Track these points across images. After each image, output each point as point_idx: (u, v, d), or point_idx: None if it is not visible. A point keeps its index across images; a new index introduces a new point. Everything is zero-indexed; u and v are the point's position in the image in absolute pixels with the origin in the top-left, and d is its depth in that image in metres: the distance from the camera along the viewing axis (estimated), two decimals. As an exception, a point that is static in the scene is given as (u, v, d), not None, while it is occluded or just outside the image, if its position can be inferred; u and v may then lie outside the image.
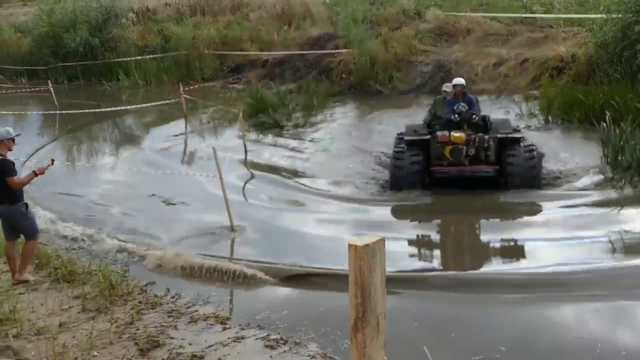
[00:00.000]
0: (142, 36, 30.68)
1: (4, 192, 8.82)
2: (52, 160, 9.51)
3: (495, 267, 9.86)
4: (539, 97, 18.24)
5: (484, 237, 11.20)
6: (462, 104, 12.79)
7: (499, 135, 12.63)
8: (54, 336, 7.45)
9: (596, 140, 14.50)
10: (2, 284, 9.15)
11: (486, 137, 12.35)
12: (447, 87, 14.10)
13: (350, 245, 2.53)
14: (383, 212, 12.46)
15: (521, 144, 12.56)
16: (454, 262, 10.41)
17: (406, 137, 13.02)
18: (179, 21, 31.43)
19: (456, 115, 12.68)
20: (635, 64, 16.70)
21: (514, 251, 10.42)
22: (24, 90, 27.67)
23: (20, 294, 8.97)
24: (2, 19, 38.88)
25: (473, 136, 12.21)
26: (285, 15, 29.12)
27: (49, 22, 31.17)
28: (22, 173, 10.21)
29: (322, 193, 13.56)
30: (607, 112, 14.43)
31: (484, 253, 10.53)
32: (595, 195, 12.25)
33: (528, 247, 10.30)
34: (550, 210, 11.75)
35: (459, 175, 12.31)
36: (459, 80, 13.33)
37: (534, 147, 12.65)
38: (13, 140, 9.20)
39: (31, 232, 9.14)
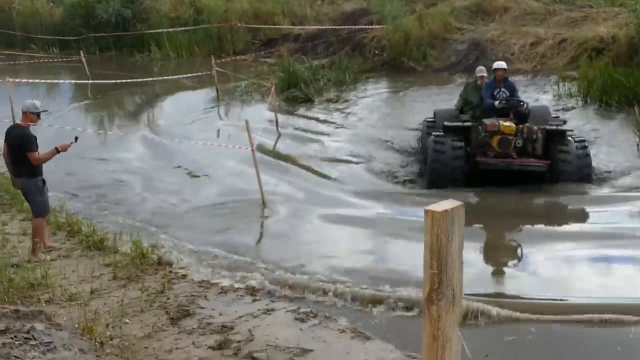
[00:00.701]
0: (174, 8, 30.56)
1: (25, 166, 8.84)
2: (76, 138, 9.34)
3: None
4: (577, 79, 17.95)
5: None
6: (503, 89, 12.03)
7: (547, 127, 11.67)
8: (86, 302, 7.50)
9: (634, 123, 14.33)
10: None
11: (535, 128, 11.35)
12: (481, 71, 13.30)
13: (426, 211, 2.38)
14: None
15: (572, 138, 11.65)
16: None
17: (446, 123, 12.05)
18: (211, -7, 31.36)
19: (502, 102, 11.87)
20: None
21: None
22: (56, 60, 27.74)
23: (52, 260, 9.04)
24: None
25: (521, 126, 11.30)
26: (319, -11, 28.97)
27: (81, -8, 31.23)
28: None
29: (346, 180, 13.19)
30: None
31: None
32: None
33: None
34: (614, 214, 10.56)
35: (507, 168, 11.20)
36: (501, 64, 12.50)
37: (586, 142, 11.83)
38: (38, 115, 9.15)
39: (41, 210, 9.06)
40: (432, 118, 13.23)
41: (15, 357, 4.74)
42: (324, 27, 25.58)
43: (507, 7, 23.59)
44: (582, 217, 10.71)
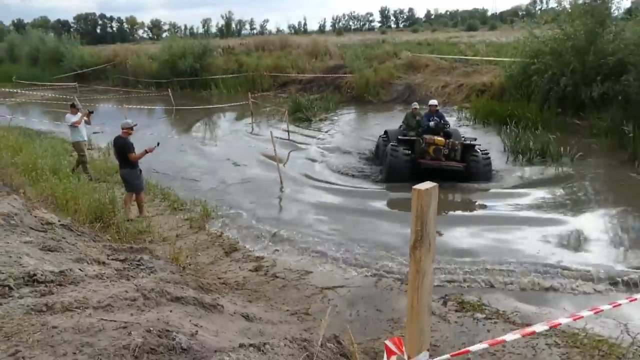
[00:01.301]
0: (226, 63, 30.37)
1: (126, 161, 8.74)
2: (158, 143, 9.13)
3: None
4: (470, 108, 17.96)
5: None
6: (435, 117, 11.82)
7: (464, 142, 11.45)
8: (173, 242, 7.45)
9: (504, 135, 14.36)
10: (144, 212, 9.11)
11: (456, 142, 11.25)
12: (415, 105, 13.03)
13: (414, 189, 2.37)
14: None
15: (479, 150, 11.37)
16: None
17: (399, 137, 11.82)
18: (248, 54, 31.13)
19: (433, 125, 11.59)
20: (529, 89, 16.43)
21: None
22: (153, 94, 27.55)
23: (152, 216, 8.96)
24: (140, 51, 38.66)
25: (448, 141, 11.19)
26: (313, 52, 28.75)
27: (169, 52, 30.93)
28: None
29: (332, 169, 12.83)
30: (512, 120, 14.39)
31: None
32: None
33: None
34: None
35: (439, 167, 10.91)
36: (434, 102, 12.39)
37: (488, 152, 11.56)
38: (132, 128, 8.92)
39: (139, 189, 8.95)
40: (384, 135, 12.78)
41: (131, 276, 4.65)
42: (316, 75, 25.41)
43: (427, 64, 23.50)
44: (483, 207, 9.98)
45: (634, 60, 13.91)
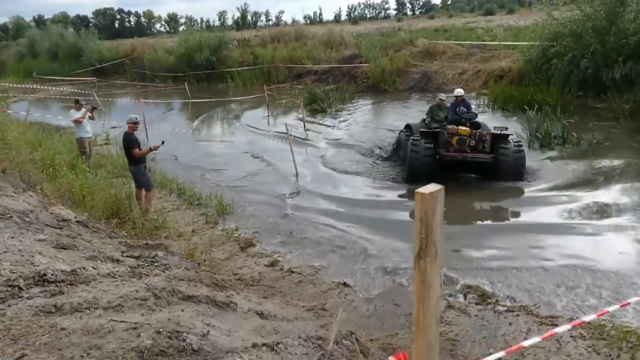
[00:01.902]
0: (241, 55, 30.22)
1: (131, 158, 8.51)
2: (163, 142, 8.67)
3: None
4: (488, 94, 17.54)
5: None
6: (462, 107, 10.85)
7: (493, 132, 10.23)
8: (189, 238, 7.39)
9: (523, 120, 13.96)
10: (157, 207, 9.06)
11: (484, 132, 10.13)
12: (441, 96, 11.86)
13: (417, 193, 2.09)
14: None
15: (511, 141, 10.19)
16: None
17: (421, 130, 10.59)
18: (263, 46, 30.93)
19: (461, 116, 10.63)
20: (549, 73, 15.97)
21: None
22: (170, 88, 27.66)
23: (168, 211, 8.92)
24: (157, 45, 38.76)
25: (474, 131, 10.10)
26: (328, 42, 28.44)
27: (186, 46, 30.90)
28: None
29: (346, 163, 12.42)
30: (531, 105, 13.96)
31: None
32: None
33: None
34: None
35: (463, 159, 9.90)
36: (459, 91, 11.14)
37: (522, 144, 10.31)
38: (136, 123, 8.65)
39: (147, 186, 8.60)
40: (405, 130, 11.46)
41: (144, 274, 4.58)
42: (332, 65, 25.10)
43: (444, 51, 23.03)
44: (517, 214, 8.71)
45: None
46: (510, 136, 10.26)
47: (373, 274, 6.48)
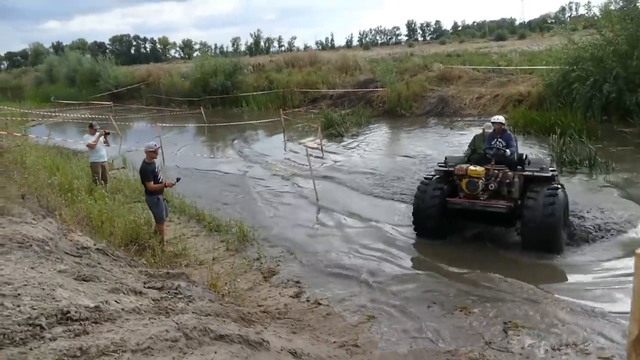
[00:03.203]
0: (256, 80, 30.39)
1: (145, 188, 8.22)
2: (178, 179, 8.42)
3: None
4: (508, 119, 17.18)
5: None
6: (500, 139, 8.60)
7: (524, 173, 7.97)
8: (210, 266, 7.11)
9: (546, 145, 13.59)
10: (177, 233, 8.82)
11: (510, 173, 7.94)
12: (487, 127, 9.11)
13: (637, 254, 1.47)
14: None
15: (554, 185, 7.64)
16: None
17: (436, 168, 8.90)
18: (278, 71, 31.09)
19: (490, 151, 8.55)
20: (570, 97, 15.68)
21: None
22: (186, 112, 27.79)
23: (188, 238, 8.66)
24: (172, 70, 39.20)
25: (497, 171, 8.01)
26: (343, 67, 28.50)
27: (201, 71, 31.13)
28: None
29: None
30: (553, 129, 13.61)
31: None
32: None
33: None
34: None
35: (471, 208, 7.83)
36: (498, 118, 8.79)
37: (557, 191, 7.44)
38: (155, 151, 8.27)
39: (158, 218, 8.22)
40: (443, 164, 9.04)
41: (170, 308, 4.29)
42: (347, 90, 25.06)
43: (460, 76, 22.87)
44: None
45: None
46: (553, 178, 7.91)
47: (405, 304, 6.14)
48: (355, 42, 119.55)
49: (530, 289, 6.30)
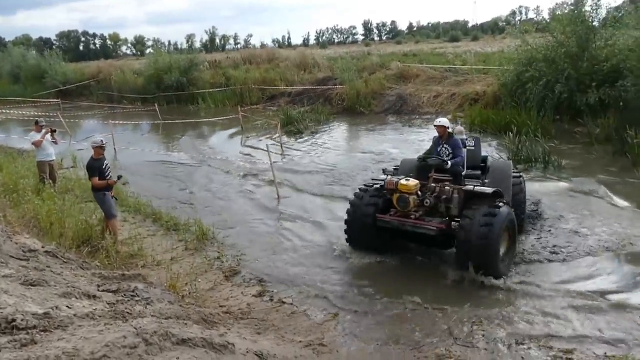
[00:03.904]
0: (212, 77, 29.80)
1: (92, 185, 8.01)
2: (119, 177, 8.28)
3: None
4: (464, 117, 17.57)
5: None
6: (445, 145, 7.58)
7: (464, 188, 6.92)
8: (169, 267, 6.84)
9: (502, 144, 13.90)
10: (132, 233, 8.44)
11: (448, 187, 6.92)
12: (439, 121, 7.84)
13: None
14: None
15: (498, 203, 6.56)
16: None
17: (372, 179, 7.88)
18: (235, 67, 30.60)
19: (422, 160, 7.66)
20: (525, 97, 16.12)
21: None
22: (139, 109, 26.88)
23: (144, 237, 8.32)
24: (124, 66, 37.93)
25: (433, 185, 7.06)
26: (301, 64, 28.34)
27: (155, 67, 30.20)
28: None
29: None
30: (509, 128, 13.96)
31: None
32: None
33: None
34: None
35: (401, 227, 6.85)
36: (440, 121, 7.67)
37: (497, 210, 6.43)
38: (101, 147, 8.02)
39: (107, 215, 7.99)
40: (397, 168, 8.40)
41: (127, 312, 4.04)
42: (306, 87, 24.93)
43: (418, 74, 23.23)
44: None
45: (630, 65, 13.70)
46: (498, 194, 6.84)
47: (367, 300, 6.07)
48: (312, 41, 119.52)
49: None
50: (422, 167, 7.67)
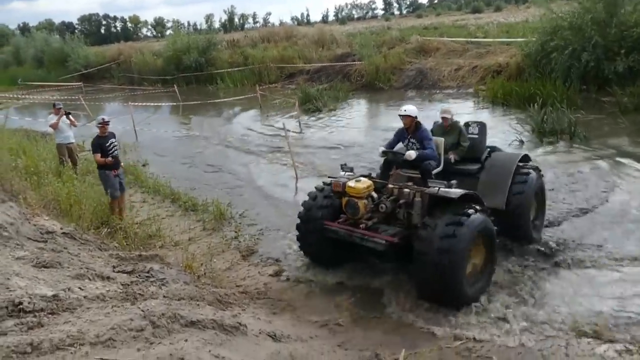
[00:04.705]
0: (231, 56, 29.59)
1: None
2: (112, 156, 7.95)
3: None
4: (487, 90, 17.05)
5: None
6: (412, 139, 6.49)
7: (428, 191, 5.42)
8: (186, 247, 6.81)
9: (525, 116, 13.39)
10: (151, 214, 8.45)
11: (409, 191, 5.66)
12: (442, 111, 7.29)
13: None
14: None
15: (467, 210, 5.18)
16: None
17: (329, 176, 6.53)
18: (253, 46, 30.31)
19: (383, 154, 6.59)
20: (549, 67, 15.51)
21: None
22: (159, 91, 26.99)
23: (162, 218, 8.32)
24: (144, 48, 37.96)
25: (391, 186, 5.91)
26: (319, 41, 27.83)
27: (174, 48, 30.16)
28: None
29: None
30: (533, 99, 13.42)
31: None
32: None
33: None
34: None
35: (348, 239, 5.60)
36: (406, 110, 6.45)
37: (467, 218, 5.09)
38: (104, 125, 8.02)
39: (109, 193, 7.89)
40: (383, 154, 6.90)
41: (139, 294, 3.99)
42: (324, 64, 24.56)
43: (438, 48, 22.53)
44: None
45: (662, 30, 13.03)
46: (474, 198, 5.50)
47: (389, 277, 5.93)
48: (331, 17, 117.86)
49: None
50: (388, 163, 6.58)
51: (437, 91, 19.26)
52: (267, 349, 3.58)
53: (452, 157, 6.69)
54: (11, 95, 28.07)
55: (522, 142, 11.61)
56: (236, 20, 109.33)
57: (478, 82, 18.60)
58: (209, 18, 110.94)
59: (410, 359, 4.31)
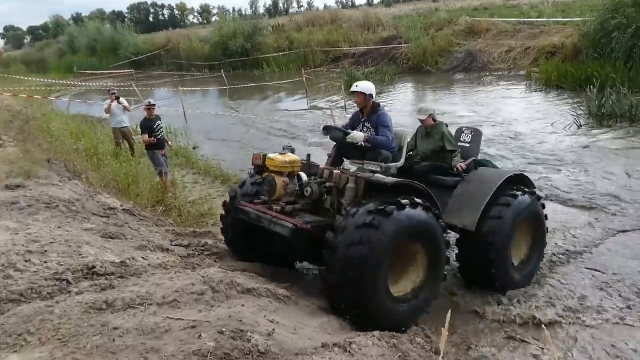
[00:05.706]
0: (276, 41, 29.92)
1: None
2: (151, 136, 8.47)
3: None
4: (539, 72, 16.52)
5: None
6: (367, 125, 5.52)
7: (362, 175, 4.38)
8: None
9: (581, 99, 12.90)
10: (202, 194, 8.79)
11: (338, 171, 4.67)
12: (421, 110, 5.86)
13: None
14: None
15: (402, 200, 3.91)
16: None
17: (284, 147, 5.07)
18: (299, 31, 30.49)
19: (323, 128, 5.83)
20: (610, 47, 14.85)
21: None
22: (206, 76, 27.58)
23: (213, 198, 8.62)
24: (192, 35, 38.83)
25: (322, 167, 4.99)
26: (365, 24, 27.75)
27: (220, 34, 30.83)
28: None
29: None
30: (591, 82, 12.90)
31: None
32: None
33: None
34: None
35: (256, 222, 4.41)
36: (358, 86, 5.58)
37: (393, 208, 3.82)
38: (150, 108, 8.62)
39: (158, 171, 8.56)
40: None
41: (197, 264, 4.25)
42: (370, 47, 24.43)
43: (488, 29, 22.02)
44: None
45: None
46: (414, 188, 4.36)
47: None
48: (376, 0, 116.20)
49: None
50: (343, 146, 5.45)
51: (487, 74, 18.85)
52: (318, 318, 3.75)
53: (460, 165, 5.28)
54: (69, 83, 29.41)
55: (580, 126, 11.22)
56: (280, 5, 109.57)
57: (531, 65, 18.07)
58: (253, 4, 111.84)
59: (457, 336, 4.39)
